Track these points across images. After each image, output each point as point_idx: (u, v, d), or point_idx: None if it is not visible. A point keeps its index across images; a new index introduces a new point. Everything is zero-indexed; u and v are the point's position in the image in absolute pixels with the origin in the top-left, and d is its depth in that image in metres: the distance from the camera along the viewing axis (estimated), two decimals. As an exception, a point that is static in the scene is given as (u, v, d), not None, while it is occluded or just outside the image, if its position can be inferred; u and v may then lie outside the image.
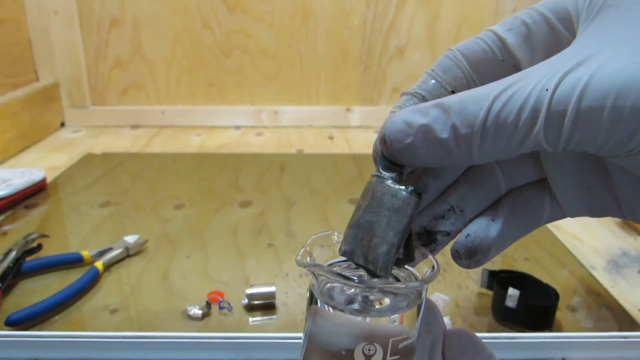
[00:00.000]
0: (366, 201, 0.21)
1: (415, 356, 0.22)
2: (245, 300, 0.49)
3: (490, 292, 0.50)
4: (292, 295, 0.52)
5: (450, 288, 0.53)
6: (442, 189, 0.24)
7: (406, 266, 0.23)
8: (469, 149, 0.19)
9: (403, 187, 0.21)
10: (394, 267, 0.21)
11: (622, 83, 0.17)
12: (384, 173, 0.21)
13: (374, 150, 0.22)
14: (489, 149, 0.19)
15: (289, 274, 0.55)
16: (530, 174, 0.24)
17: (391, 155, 0.21)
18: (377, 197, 0.21)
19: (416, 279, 0.22)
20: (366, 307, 0.21)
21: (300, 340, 0.22)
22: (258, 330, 0.47)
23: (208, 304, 0.49)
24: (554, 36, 0.22)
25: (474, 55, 0.22)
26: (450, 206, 0.23)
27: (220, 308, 0.49)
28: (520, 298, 0.46)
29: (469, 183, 0.24)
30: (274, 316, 0.49)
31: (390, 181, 0.21)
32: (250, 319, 0.48)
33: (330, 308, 0.21)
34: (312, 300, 0.22)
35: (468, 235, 0.23)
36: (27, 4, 1.02)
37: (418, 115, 0.20)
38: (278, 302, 0.50)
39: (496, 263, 0.58)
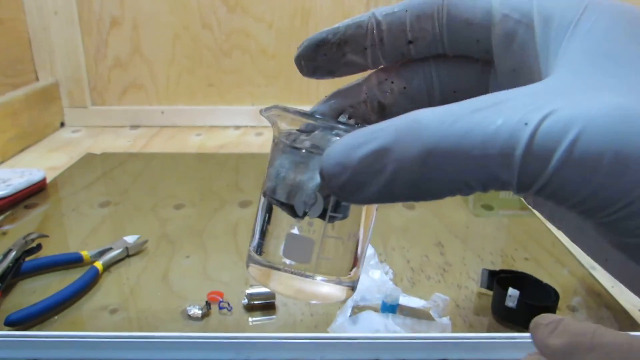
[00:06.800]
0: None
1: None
2: (245, 300, 0.49)
3: (490, 292, 0.50)
4: (292, 295, 0.52)
5: (450, 288, 0.53)
6: None
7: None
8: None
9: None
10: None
11: (627, 130, 0.15)
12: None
13: None
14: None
15: (289, 274, 0.55)
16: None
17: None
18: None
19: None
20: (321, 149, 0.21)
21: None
22: (258, 330, 0.47)
23: (208, 304, 0.49)
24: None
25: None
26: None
27: (220, 308, 0.49)
28: (520, 298, 0.46)
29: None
30: (274, 316, 0.49)
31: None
32: (250, 319, 0.48)
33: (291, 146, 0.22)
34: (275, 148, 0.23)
35: None
36: (27, 4, 1.02)
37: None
38: (278, 302, 0.50)
39: (496, 263, 0.58)
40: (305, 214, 0.21)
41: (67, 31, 1.05)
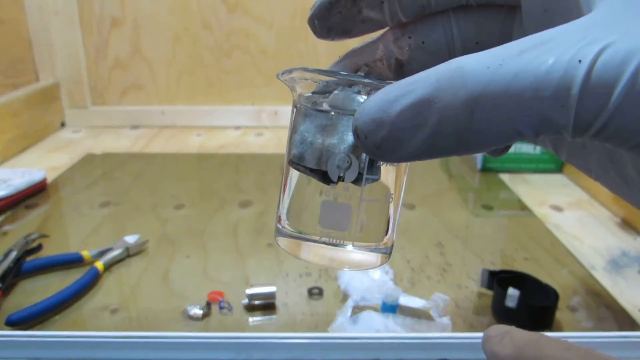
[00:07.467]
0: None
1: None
2: (246, 300, 0.49)
3: (490, 292, 0.50)
4: (292, 296, 0.52)
5: (450, 288, 0.53)
6: None
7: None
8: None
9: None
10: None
11: None
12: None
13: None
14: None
15: (289, 274, 0.55)
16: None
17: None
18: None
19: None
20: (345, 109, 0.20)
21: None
22: (258, 330, 0.47)
23: (208, 304, 0.49)
24: None
25: None
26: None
27: (221, 308, 0.49)
28: (520, 298, 0.46)
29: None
30: (274, 316, 0.49)
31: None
32: (250, 319, 0.48)
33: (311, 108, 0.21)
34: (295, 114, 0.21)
35: None
36: (27, 4, 1.02)
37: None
38: (278, 302, 0.50)
39: (496, 263, 0.58)
40: (339, 178, 0.19)
41: (67, 31, 1.05)
